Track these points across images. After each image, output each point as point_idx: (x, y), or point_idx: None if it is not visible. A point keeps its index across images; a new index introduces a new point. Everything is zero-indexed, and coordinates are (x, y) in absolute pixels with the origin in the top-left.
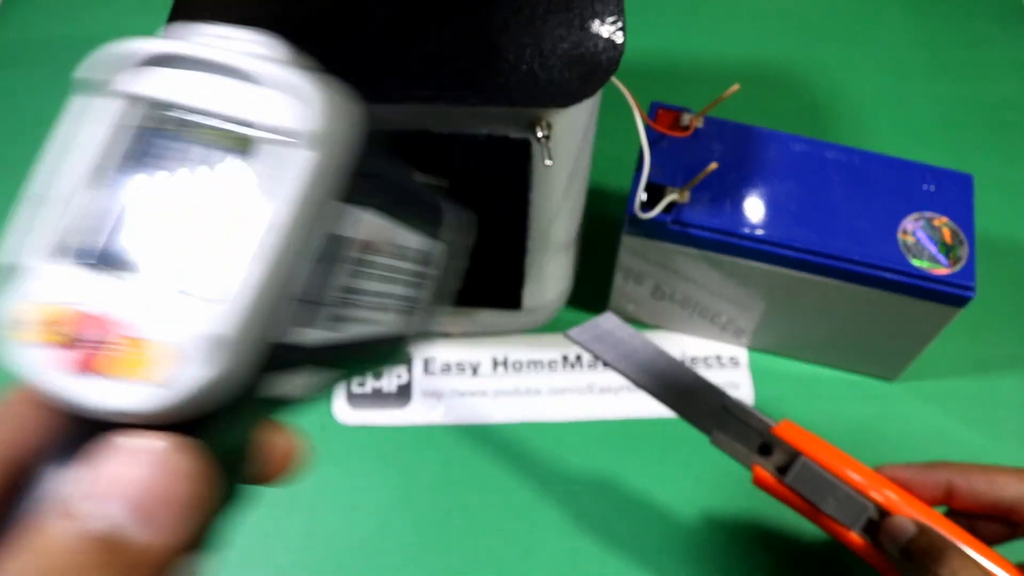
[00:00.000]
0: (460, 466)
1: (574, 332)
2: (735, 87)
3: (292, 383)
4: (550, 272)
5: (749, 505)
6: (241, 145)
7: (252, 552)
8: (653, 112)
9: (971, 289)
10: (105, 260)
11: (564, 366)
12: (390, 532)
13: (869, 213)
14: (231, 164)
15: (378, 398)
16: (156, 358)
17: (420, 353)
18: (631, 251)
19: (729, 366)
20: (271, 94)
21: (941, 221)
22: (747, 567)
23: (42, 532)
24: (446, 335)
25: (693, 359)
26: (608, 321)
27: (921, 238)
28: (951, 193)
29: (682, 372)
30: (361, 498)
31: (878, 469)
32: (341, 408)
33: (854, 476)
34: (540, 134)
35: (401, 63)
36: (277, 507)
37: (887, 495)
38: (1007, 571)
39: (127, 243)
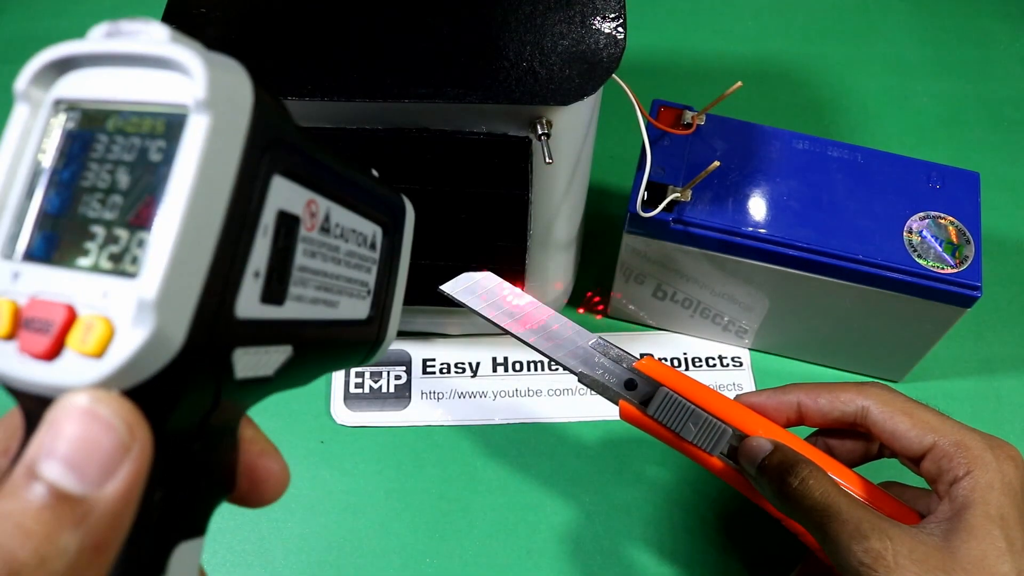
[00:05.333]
0: (460, 466)
1: (446, 286)
2: (738, 84)
3: (257, 361)
4: (551, 271)
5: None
6: (153, 128)
7: (250, 554)
8: (655, 110)
9: (978, 289)
10: (49, 251)
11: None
12: (389, 533)
13: (874, 212)
14: (150, 146)
15: (377, 398)
16: (91, 332)
17: (419, 353)
18: (632, 250)
19: (732, 367)
20: (165, 75)
21: (947, 220)
22: (752, 562)
23: (7, 492)
24: (446, 335)
25: (695, 360)
26: (478, 275)
27: (927, 237)
28: (957, 191)
29: (549, 317)
30: (360, 499)
31: (735, 398)
32: (339, 409)
33: (712, 404)
34: (540, 132)
35: (400, 61)
36: (275, 509)
37: (744, 419)
38: (845, 478)
39: (67, 234)
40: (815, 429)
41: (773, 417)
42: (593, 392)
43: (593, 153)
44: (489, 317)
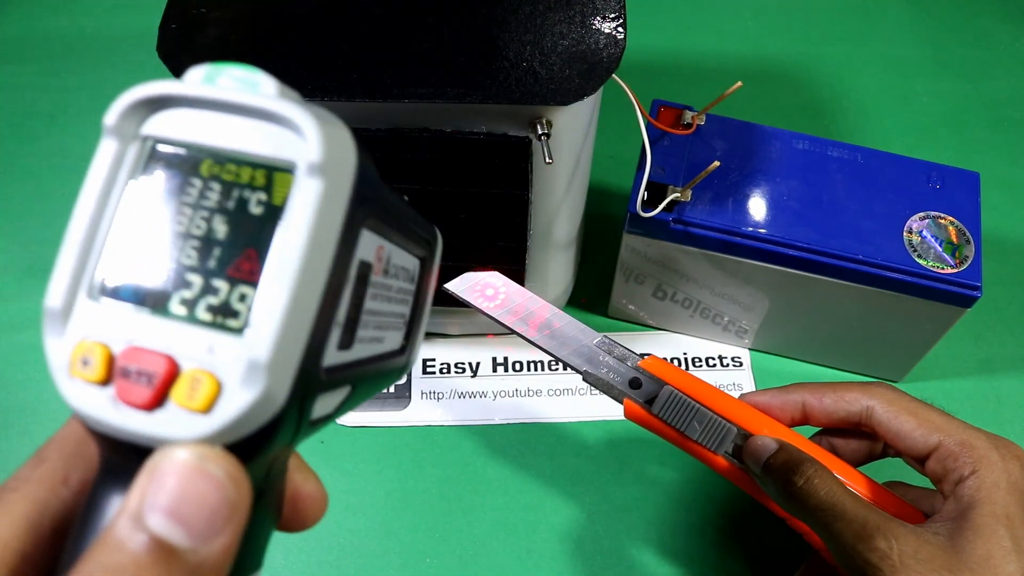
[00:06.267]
0: (460, 466)
1: (450, 284)
2: (738, 84)
3: (326, 403)
4: (551, 271)
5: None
6: (252, 178)
7: None
8: (655, 110)
9: (978, 289)
10: (143, 296)
11: (564, 366)
12: (389, 533)
13: (874, 212)
14: (250, 197)
15: (377, 398)
16: (198, 388)
17: (419, 353)
18: (632, 250)
19: (732, 367)
20: (270, 128)
21: (947, 220)
22: (755, 561)
23: (111, 543)
24: (446, 335)
25: (695, 359)
26: (482, 274)
27: (927, 237)
28: (957, 191)
29: (553, 316)
30: (360, 499)
31: (739, 397)
32: None
33: (717, 403)
34: (540, 132)
35: (400, 60)
36: None
37: (748, 419)
38: (850, 477)
39: (161, 279)
40: (819, 428)
41: (778, 416)
42: (597, 391)
43: (593, 153)
44: (494, 316)
